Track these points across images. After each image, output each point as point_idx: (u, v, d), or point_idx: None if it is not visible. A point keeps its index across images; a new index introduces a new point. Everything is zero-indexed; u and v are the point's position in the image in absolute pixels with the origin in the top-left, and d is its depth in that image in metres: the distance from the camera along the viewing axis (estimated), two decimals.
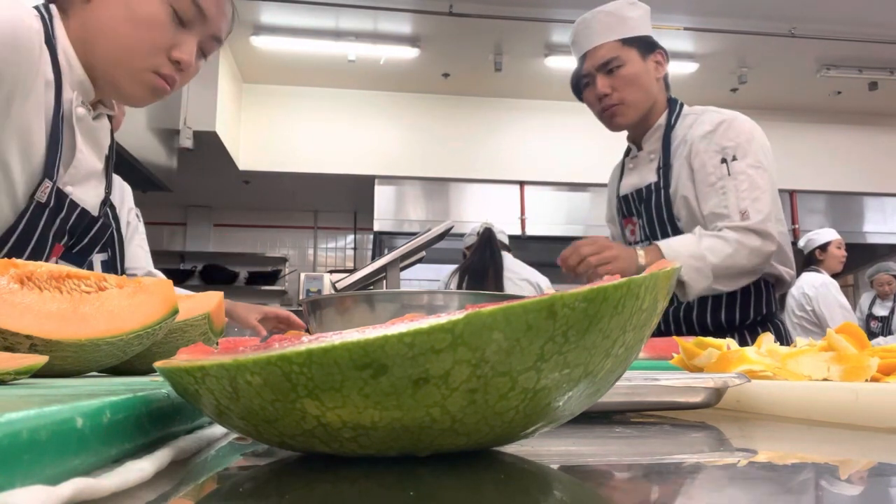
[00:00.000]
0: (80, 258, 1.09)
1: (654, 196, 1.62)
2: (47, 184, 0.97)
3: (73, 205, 1.03)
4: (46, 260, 1.02)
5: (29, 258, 0.94)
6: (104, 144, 1.10)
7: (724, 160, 1.52)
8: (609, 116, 1.62)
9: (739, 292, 1.57)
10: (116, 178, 1.65)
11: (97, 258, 1.47)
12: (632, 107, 1.60)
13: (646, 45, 1.60)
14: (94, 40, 0.97)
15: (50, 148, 0.97)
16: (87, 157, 1.06)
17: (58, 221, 1.00)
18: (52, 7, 0.99)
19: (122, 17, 0.96)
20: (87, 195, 1.07)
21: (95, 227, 1.09)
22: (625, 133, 1.70)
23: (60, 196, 1.00)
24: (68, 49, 0.98)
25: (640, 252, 1.46)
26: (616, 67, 1.57)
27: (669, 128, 1.62)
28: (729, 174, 1.51)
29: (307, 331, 1.37)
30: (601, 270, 1.40)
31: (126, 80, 0.99)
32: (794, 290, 3.80)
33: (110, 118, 1.12)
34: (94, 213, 1.09)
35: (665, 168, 1.60)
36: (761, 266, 1.51)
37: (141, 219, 1.72)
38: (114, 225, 1.56)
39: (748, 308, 1.59)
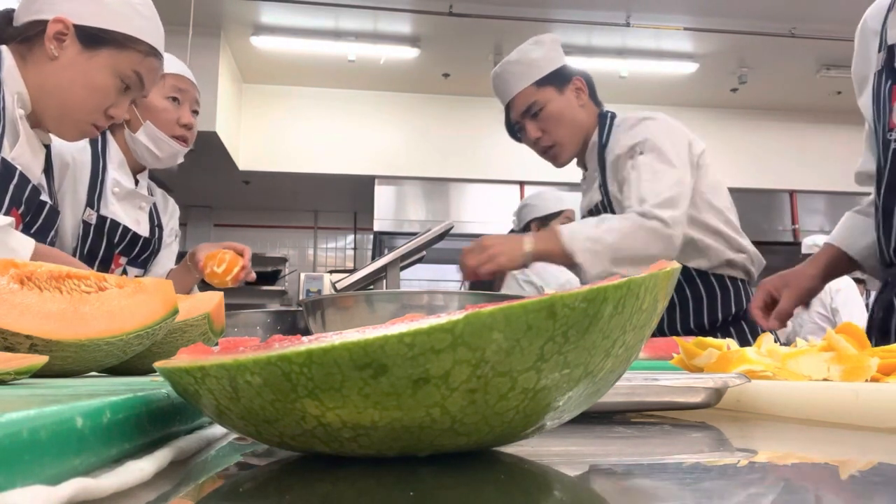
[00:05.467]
0: (38, 236, 1.17)
1: (602, 214, 1.63)
2: None
3: (23, 176, 1.11)
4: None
5: None
6: (40, 159, 1.20)
7: (631, 156, 1.54)
8: (551, 158, 1.68)
9: (704, 294, 1.57)
10: (170, 200, 1.73)
11: (131, 272, 1.54)
12: (566, 145, 1.64)
13: (560, 79, 1.63)
14: (49, 91, 1.12)
15: None
16: (28, 151, 1.14)
17: (11, 189, 1.09)
18: (4, 48, 1.11)
19: (80, 82, 1.13)
20: (32, 172, 1.15)
21: (47, 208, 1.20)
22: None
23: (6, 163, 1.07)
24: (13, 69, 1.09)
25: (527, 239, 1.46)
26: (539, 110, 1.61)
27: (602, 145, 1.64)
28: (632, 168, 1.52)
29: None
30: (482, 271, 1.41)
31: (67, 127, 1.17)
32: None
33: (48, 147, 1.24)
34: (43, 192, 1.19)
35: (604, 186, 1.63)
36: (665, 253, 1.46)
37: (178, 238, 1.75)
38: (156, 246, 1.62)
39: (716, 310, 1.58)
